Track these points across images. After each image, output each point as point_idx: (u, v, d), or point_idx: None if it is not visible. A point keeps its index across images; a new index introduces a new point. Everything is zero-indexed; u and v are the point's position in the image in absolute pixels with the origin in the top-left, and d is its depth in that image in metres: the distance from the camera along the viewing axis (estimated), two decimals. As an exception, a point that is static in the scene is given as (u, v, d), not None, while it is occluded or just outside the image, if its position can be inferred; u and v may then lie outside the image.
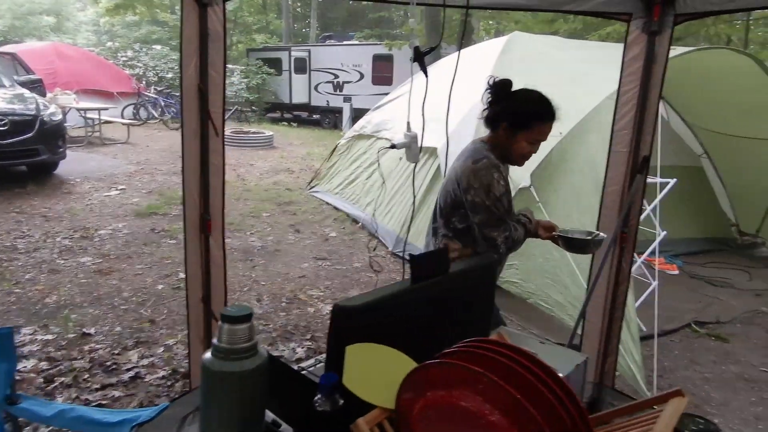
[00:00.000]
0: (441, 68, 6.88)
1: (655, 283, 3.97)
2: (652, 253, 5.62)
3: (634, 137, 2.61)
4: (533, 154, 2.10)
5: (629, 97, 2.59)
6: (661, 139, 6.13)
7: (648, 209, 3.82)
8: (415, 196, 3.26)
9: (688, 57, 4.81)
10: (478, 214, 1.99)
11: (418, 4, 2.36)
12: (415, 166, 2.56)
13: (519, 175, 4.21)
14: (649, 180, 3.96)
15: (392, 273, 5.00)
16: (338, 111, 17.28)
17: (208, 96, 2.31)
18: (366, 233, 6.05)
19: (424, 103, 2.50)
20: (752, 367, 3.57)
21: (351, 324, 1.08)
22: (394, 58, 15.71)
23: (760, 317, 4.41)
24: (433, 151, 5.21)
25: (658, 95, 2.56)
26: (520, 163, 2.13)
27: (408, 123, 2.63)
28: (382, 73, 16.40)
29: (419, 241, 5.09)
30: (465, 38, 14.40)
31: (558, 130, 4.15)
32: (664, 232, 3.98)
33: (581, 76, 4.68)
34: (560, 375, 1.14)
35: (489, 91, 2.08)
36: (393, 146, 2.57)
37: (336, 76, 17.96)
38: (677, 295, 4.72)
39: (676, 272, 5.30)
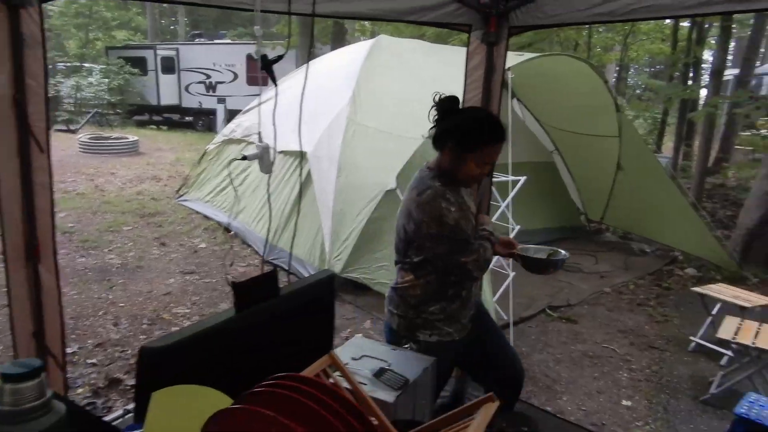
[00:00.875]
0: (313, 68, 6.86)
1: (512, 275, 4.24)
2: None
3: (479, 142, 2.76)
4: (481, 173, 1.91)
5: (473, 104, 2.73)
6: (519, 138, 6.61)
7: (502, 205, 4.07)
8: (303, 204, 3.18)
9: (537, 62, 5.21)
10: (440, 244, 1.87)
11: (263, 11, 2.30)
12: (295, 170, 2.50)
13: (384, 179, 4.30)
14: (502, 178, 4.26)
15: (266, 282, 4.87)
16: (212, 113, 16.51)
17: (27, 108, 2.07)
18: (239, 242, 5.85)
19: (274, 112, 2.45)
20: (596, 345, 3.96)
21: (162, 366, 1.01)
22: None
23: (603, 297, 4.91)
24: (303, 155, 5.15)
25: (498, 101, 2.73)
26: (470, 185, 2.02)
27: (259, 134, 2.56)
28: (258, 73, 15.94)
29: (297, 249, 5.03)
30: (339, 39, 14.45)
31: (420, 133, 4.32)
32: (518, 226, 4.26)
33: (442, 79, 4.88)
34: (372, 400, 1.15)
35: (434, 107, 1.92)
36: (244, 158, 2.49)
37: (208, 77, 17.16)
38: (534, 283, 5.09)
39: (535, 261, 5.73)
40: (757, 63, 15.03)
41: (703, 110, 8.25)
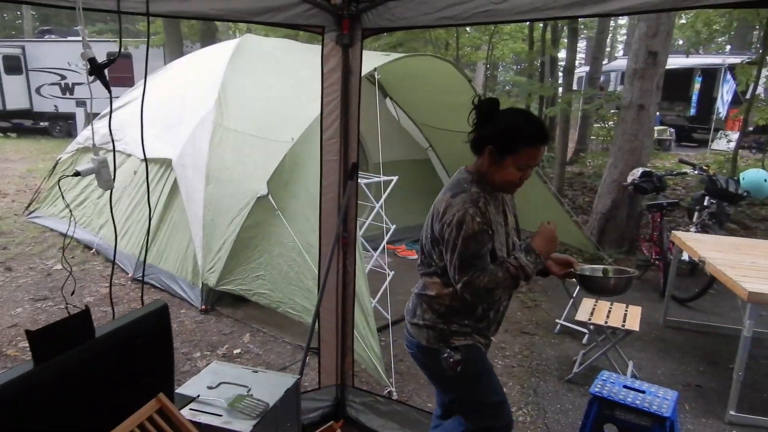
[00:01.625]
0: (176, 69, 6.43)
1: (391, 273, 4.27)
2: (396, 241, 6.12)
3: (342, 146, 2.71)
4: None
5: (332, 108, 2.67)
6: (395, 137, 6.71)
7: (377, 206, 4.08)
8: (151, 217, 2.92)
9: (404, 62, 5.29)
10: (448, 252, 1.77)
11: (85, 9, 2.06)
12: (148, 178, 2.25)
13: (254, 186, 4.13)
14: (374, 179, 4.26)
15: (133, 302, 4.49)
16: (71, 117, 15.05)
17: None
18: (102, 260, 5.34)
19: (110, 121, 2.23)
20: (473, 335, 4.10)
21: None
22: (132, 57, 14.27)
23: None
24: (168, 163, 4.80)
25: (358, 104, 2.69)
26: (510, 191, 1.92)
27: (95, 146, 2.32)
28: (121, 73, 14.77)
29: (162, 263, 4.67)
30: (209, 36, 13.78)
31: (290, 136, 4.20)
32: (393, 225, 4.29)
33: (308, 80, 4.79)
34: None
35: (474, 111, 1.84)
36: (77, 173, 2.22)
37: (63, 77, 15.58)
38: (417, 279, 5.19)
39: (416, 257, 5.86)
40: (605, 61, 16.69)
41: (557, 106, 8.95)
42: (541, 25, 9.48)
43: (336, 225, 2.75)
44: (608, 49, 21.67)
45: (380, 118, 6.58)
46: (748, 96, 8.24)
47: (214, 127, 4.62)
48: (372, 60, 4.66)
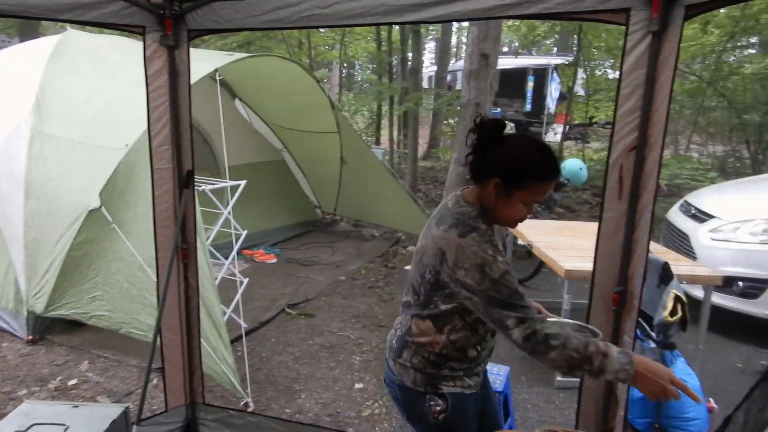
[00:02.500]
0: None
1: (245, 280, 4.16)
2: (254, 246, 5.97)
3: (174, 153, 2.57)
4: None
5: (161, 113, 2.52)
6: (247, 140, 6.53)
7: (225, 212, 3.94)
8: None
9: (250, 62, 5.15)
10: (474, 296, 1.54)
11: None
12: None
13: (85, 198, 3.76)
14: (220, 184, 4.11)
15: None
16: None
17: None
18: None
19: None
20: (332, 334, 4.15)
21: None
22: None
23: (339, 286, 5.18)
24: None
25: (188, 109, 2.56)
26: (512, 226, 1.73)
27: None
28: None
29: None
30: (29, 31, 12.28)
31: (123, 142, 3.89)
32: (245, 231, 4.18)
33: (141, 80, 4.48)
34: None
35: (475, 131, 1.60)
36: None
37: None
38: (275, 283, 5.12)
39: (275, 261, 5.76)
40: (453, 61, 17.78)
41: (403, 105, 9.39)
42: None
43: (173, 236, 2.60)
44: (455, 49, 23.09)
45: (231, 120, 6.40)
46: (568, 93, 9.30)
47: (32, 135, 4.11)
48: (214, 60, 4.47)
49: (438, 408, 1.68)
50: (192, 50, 2.53)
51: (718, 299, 3.99)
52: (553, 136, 13.58)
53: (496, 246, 1.56)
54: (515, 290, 1.52)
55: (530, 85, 16.92)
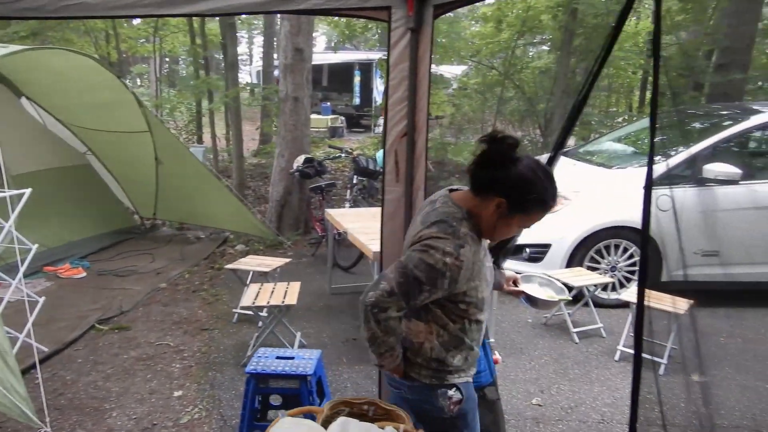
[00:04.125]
0: None
1: (42, 299, 3.74)
2: (59, 261, 5.37)
3: None
4: None
5: None
6: (41, 144, 5.83)
7: (6, 226, 3.48)
8: None
9: (34, 56, 4.61)
10: (395, 267, 1.56)
11: None
12: None
13: None
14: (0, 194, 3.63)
15: None
16: None
17: None
18: None
19: None
20: (149, 345, 3.91)
21: None
22: None
23: (159, 294, 4.89)
24: None
25: None
26: (494, 240, 1.78)
27: None
28: None
29: None
30: None
31: None
32: (35, 246, 3.74)
33: None
34: None
35: (486, 144, 1.54)
36: None
37: None
38: (83, 299, 4.67)
39: (84, 275, 5.23)
40: (275, 56, 17.59)
41: (218, 101, 9.15)
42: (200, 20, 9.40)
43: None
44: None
45: (15, 122, 5.66)
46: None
47: None
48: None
49: (455, 399, 1.67)
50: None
51: (511, 264, 4.55)
52: (380, 128, 14.21)
53: (460, 253, 1.51)
54: (420, 281, 1.51)
55: (357, 79, 17.53)
